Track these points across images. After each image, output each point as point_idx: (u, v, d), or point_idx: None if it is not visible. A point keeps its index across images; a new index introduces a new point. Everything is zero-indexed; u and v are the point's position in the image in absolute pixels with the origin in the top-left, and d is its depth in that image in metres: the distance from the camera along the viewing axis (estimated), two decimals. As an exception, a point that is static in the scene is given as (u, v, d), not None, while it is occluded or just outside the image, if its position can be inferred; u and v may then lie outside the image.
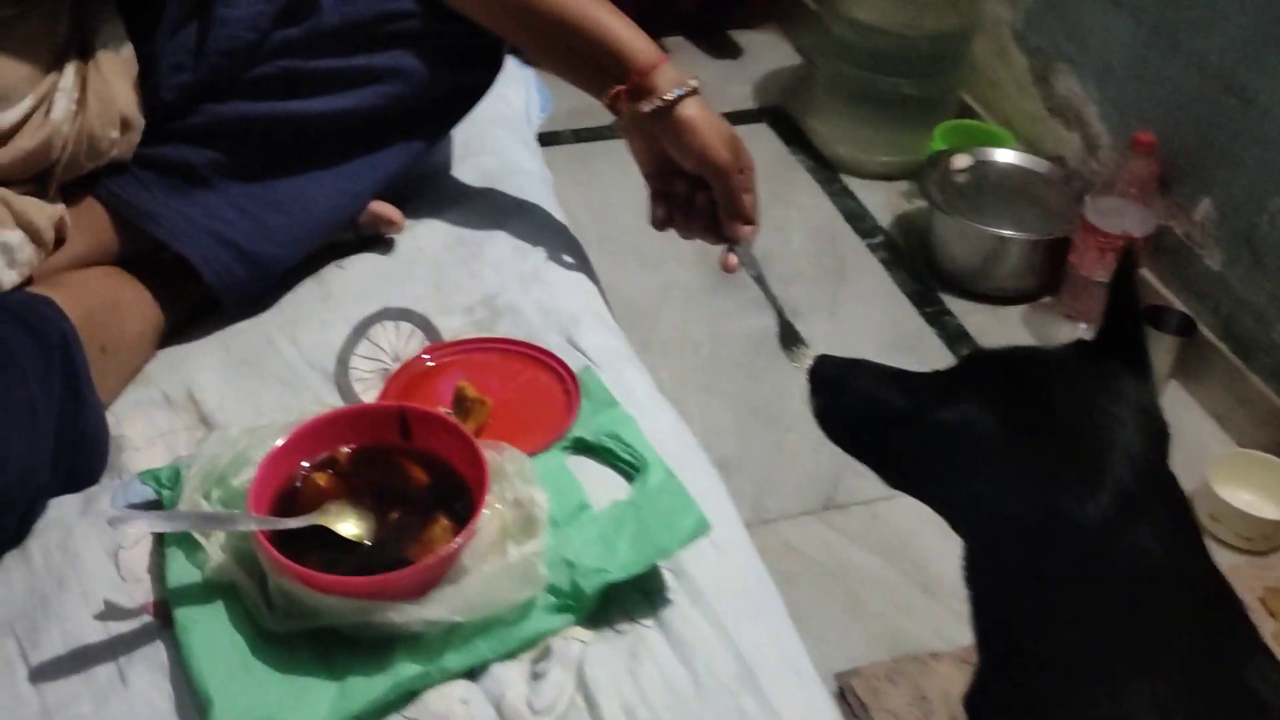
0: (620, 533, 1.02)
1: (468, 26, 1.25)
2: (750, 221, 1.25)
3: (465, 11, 1.24)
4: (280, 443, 1.02)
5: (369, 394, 1.19)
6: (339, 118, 1.24)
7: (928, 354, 2.53)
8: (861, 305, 2.69)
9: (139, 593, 1.00)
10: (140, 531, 0.92)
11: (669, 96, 1.20)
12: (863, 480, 2.33)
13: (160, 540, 1.04)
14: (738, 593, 1.04)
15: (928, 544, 2.13)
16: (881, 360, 1.10)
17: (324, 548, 0.98)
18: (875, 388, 1.13)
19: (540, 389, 1.21)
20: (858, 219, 2.89)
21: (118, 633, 0.98)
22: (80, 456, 1.07)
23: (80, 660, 0.95)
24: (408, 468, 1.05)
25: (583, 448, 1.15)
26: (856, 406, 1.06)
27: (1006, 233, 2.54)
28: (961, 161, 2.68)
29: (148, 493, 1.07)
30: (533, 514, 1.00)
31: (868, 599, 2.06)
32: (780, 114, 3.23)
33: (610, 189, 2.66)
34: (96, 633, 0.97)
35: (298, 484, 1.03)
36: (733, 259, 1.26)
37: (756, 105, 3.28)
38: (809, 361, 1.20)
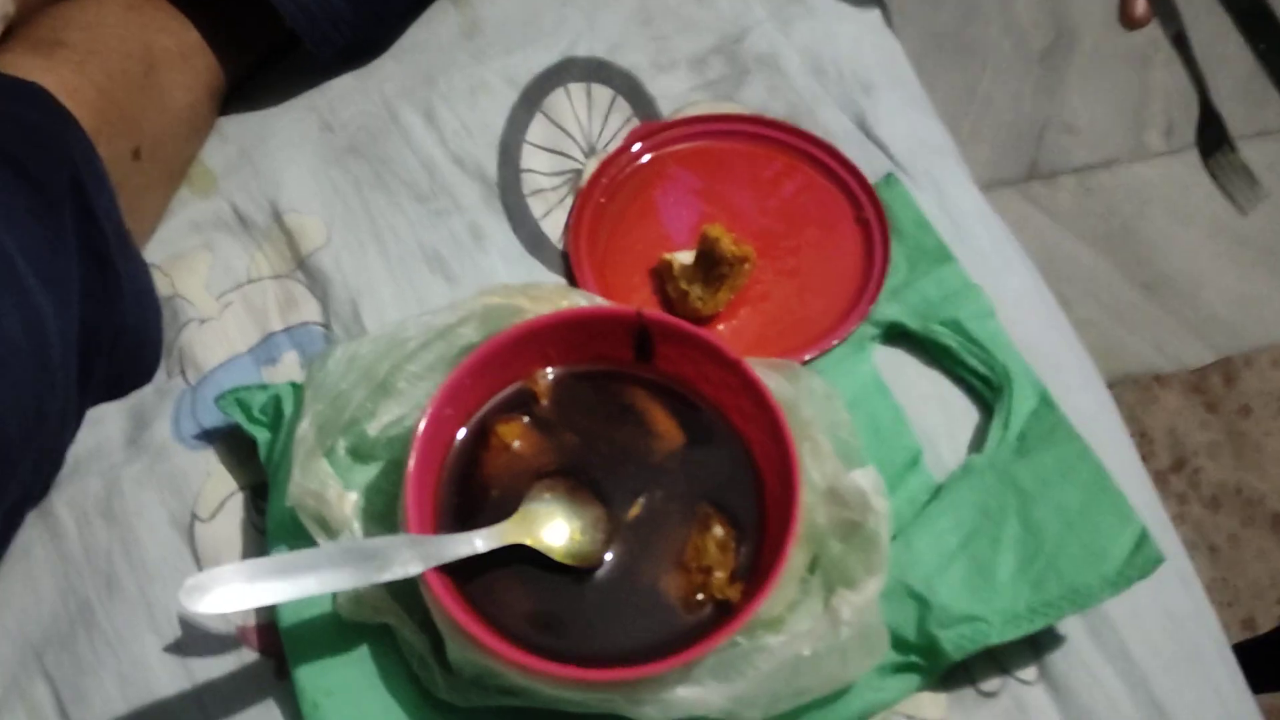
0: (999, 542, 0.63)
1: None
2: None
3: None
4: (444, 385, 0.61)
5: (552, 217, 0.76)
6: None
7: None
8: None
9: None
10: (234, 609, 0.54)
11: None
12: (1076, 140, 1.90)
13: (256, 507, 0.66)
14: (1166, 630, 0.66)
15: (1157, 230, 1.72)
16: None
17: (525, 563, 0.60)
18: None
19: (819, 214, 0.77)
20: None
21: (204, 678, 0.62)
22: (122, 357, 0.66)
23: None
24: (650, 416, 0.64)
25: (896, 335, 0.73)
26: None
27: None
28: None
29: (228, 419, 0.67)
30: (865, 524, 0.60)
31: (1076, 300, 1.67)
32: None
33: None
34: (171, 676, 0.62)
35: (476, 445, 0.63)
36: (1142, 4, 0.77)
37: None
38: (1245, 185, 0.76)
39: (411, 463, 0.59)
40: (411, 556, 0.56)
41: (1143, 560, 0.61)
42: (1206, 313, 1.67)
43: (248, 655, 0.62)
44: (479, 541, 0.58)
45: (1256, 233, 1.73)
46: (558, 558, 0.60)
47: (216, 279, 0.72)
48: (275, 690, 0.61)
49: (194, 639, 0.62)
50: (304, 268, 0.72)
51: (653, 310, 0.63)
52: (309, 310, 0.71)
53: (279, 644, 0.61)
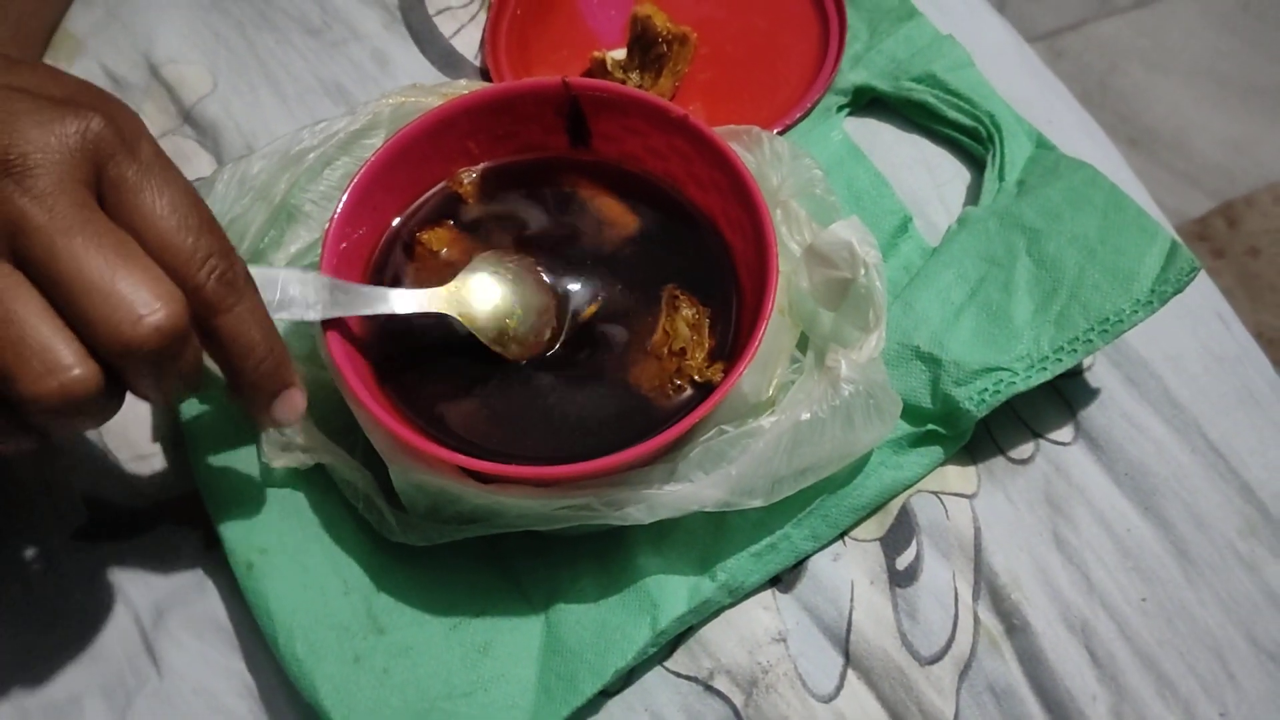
0: (1011, 286, 0.55)
1: None
2: None
3: None
4: (352, 187, 0.52)
5: (465, 34, 0.67)
6: None
7: None
8: None
9: (144, 478, 0.55)
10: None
11: None
12: (1040, 5, 1.82)
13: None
14: (1211, 373, 0.58)
15: (1134, 85, 1.64)
16: None
17: (467, 360, 0.51)
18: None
19: (763, -7, 0.69)
20: None
21: (121, 564, 0.53)
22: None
23: (64, 623, 0.52)
24: (597, 203, 0.56)
25: (867, 102, 0.65)
26: None
27: None
28: None
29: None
30: (856, 281, 0.52)
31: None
32: None
33: None
34: (82, 566, 0.53)
35: (399, 260, 0.55)
36: None
37: None
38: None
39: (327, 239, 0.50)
40: (313, 298, 0.47)
41: (1176, 272, 0.52)
42: (1198, 160, 1.59)
43: (170, 531, 0.54)
44: (395, 300, 0.50)
45: (1237, 73, 1.65)
46: (487, 339, 0.51)
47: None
48: (206, 562, 0.53)
49: (107, 522, 0.54)
50: (190, 120, 0.64)
51: (580, 78, 0.55)
52: (201, 164, 0.63)
53: (204, 513, 0.53)
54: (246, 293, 0.42)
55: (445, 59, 0.66)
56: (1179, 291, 0.52)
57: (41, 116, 0.38)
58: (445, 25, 0.67)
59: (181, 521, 0.54)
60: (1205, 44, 1.68)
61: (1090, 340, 0.52)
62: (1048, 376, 0.52)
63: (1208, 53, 1.68)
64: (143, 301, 0.37)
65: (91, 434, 0.55)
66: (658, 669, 0.51)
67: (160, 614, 0.52)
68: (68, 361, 0.37)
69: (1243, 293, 1.51)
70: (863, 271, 0.52)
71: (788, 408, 0.49)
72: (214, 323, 0.41)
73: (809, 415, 0.49)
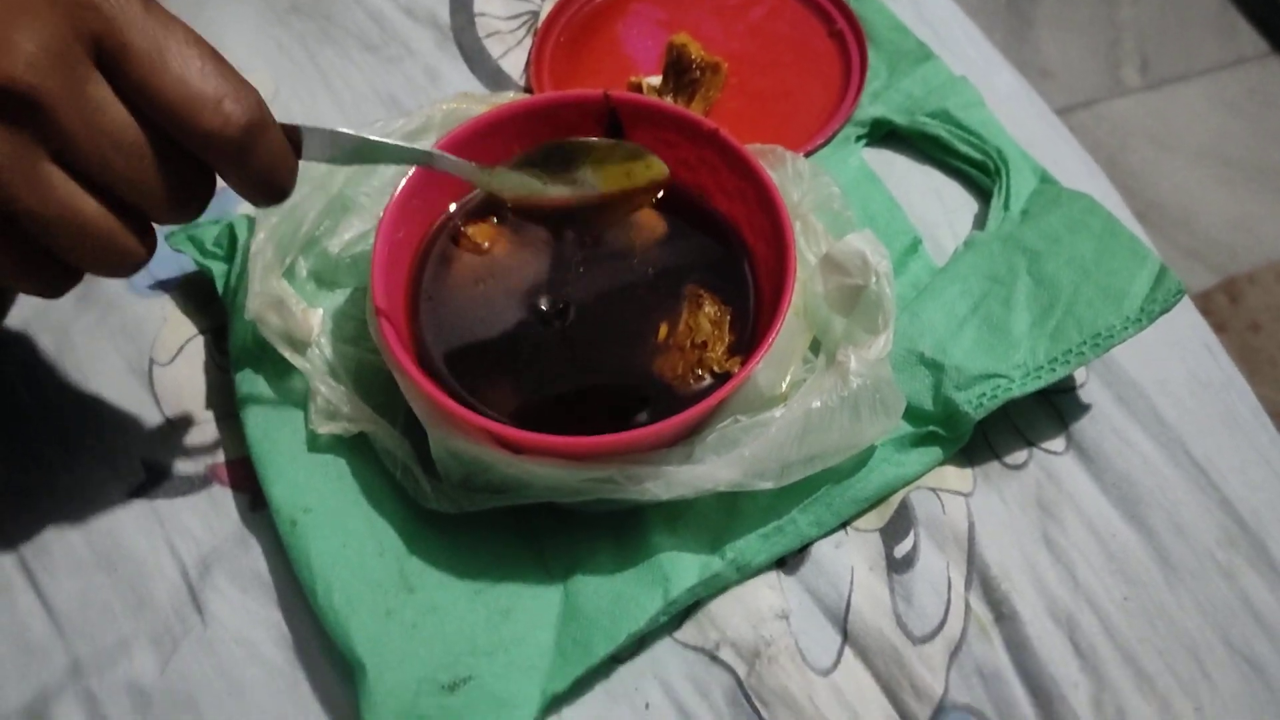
0: (1011, 301, 0.59)
1: None
2: None
3: None
4: (404, 184, 0.56)
5: (511, 56, 0.72)
6: None
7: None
8: None
9: (197, 444, 0.59)
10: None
11: None
12: (1053, 83, 1.89)
13: (218, 348, 0.61)
14: (1197, 396, 0.62)
15: (1142, 161, 1.69)
16: None
17: (501, 344, 0.56)
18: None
19: (790, 33, 0.74)
20: None
21: (175, 521, 0.57)
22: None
23: (118, 573, 0.55)
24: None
25: (884, 134, 0.69)
26: None
27: None
28: None
29: (183, 263, 0.64)
30: (867, 288, 0.56)
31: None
32: None
33: None
34: (139, 522, 0.57)
35: (446, 251, 0.59)
36: None
37: None
38: None
39: (377, 250, 0.54)
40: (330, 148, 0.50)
41: (1164, 293, 0.57)
42: (1203, 236, 1.64)
43: (220, 493, 0.58)
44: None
45: (1243, 154, 1.70)
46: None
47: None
48: (252, 522, 0.57)
49: (162, 483, 0.58)
50: (254, 122, 0.68)
51: (620, 91, 0.60)
52: (263, 162, 0.68)
53: (253, 479, 0.57)
54: (263, 134, 0.44)
55: (492, 77, 0.71)
56: (1165, 311, 0.56)
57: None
58: (494, 47, 0.72)
59: (230, 484, 0.58)
60: (1212, 126, 1.73)
61: (1082, 352, 0.56)
62: (1042, 384, 0.56)
63: (1214, 134, 1.73)
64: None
65: (150, 404, 0.59)
66: (667, 639, 0.54)
67: (207, 568, 0.56)
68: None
69: (1243, 367, 1.55)
70: (874, 279, 0.56)
71: (799, 399, 0.53)
72: (234, 162, 0.44)
73: (819, 404, 0.53)
